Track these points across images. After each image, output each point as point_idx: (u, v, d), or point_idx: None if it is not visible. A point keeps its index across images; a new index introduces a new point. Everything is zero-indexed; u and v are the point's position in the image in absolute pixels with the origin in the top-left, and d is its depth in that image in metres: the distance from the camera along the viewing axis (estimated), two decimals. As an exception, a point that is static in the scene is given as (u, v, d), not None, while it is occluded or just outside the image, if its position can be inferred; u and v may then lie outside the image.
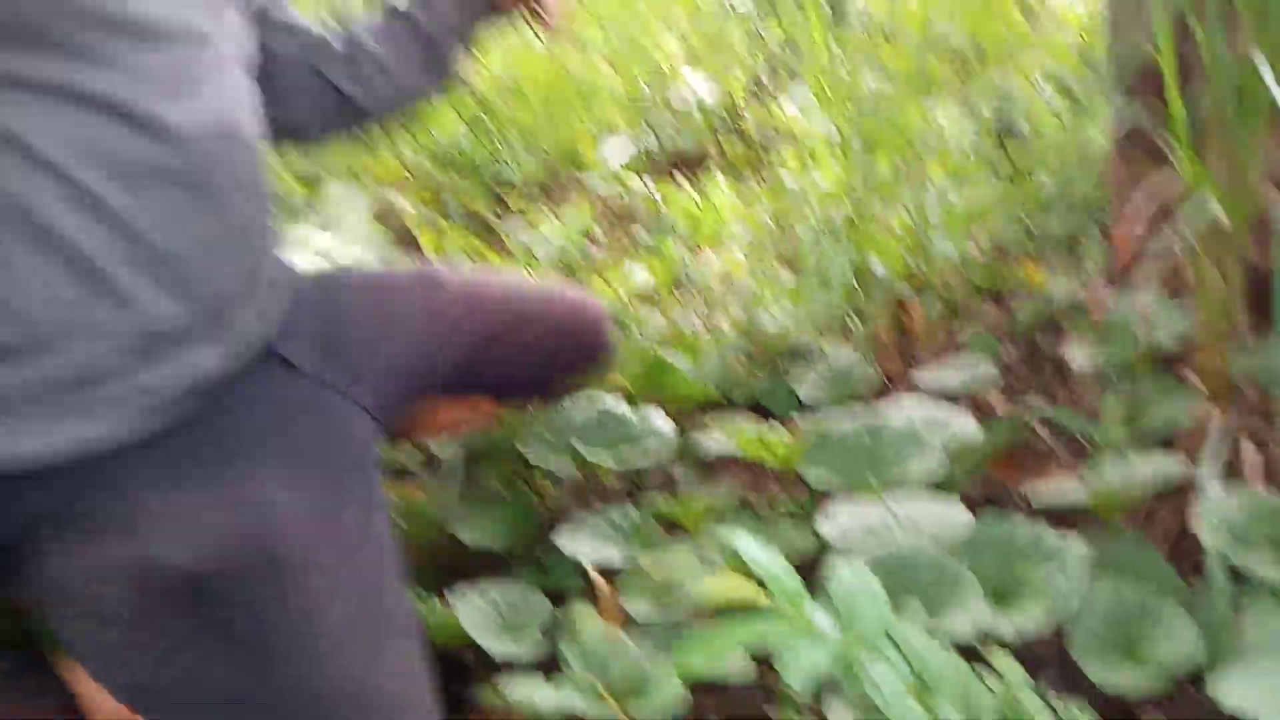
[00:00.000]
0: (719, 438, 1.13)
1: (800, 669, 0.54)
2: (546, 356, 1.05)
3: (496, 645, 0.93)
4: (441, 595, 1.01)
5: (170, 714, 0.78)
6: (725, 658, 0.54)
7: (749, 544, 0.63)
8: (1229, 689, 0.62)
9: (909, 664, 0.60)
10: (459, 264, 1.68)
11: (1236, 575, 0.77)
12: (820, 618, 0.59)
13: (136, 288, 0.74)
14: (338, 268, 1.02)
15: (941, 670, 0.61)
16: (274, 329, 0.86)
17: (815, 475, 0.97)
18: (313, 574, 0.79)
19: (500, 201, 2.13)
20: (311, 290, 0.94)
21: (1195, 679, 0.79)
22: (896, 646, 0.61)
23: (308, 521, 0.81)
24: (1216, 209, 0.87)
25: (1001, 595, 0.79)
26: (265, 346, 0.85)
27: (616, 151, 2.13)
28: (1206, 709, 0.77)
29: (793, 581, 0.60)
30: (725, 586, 0.60)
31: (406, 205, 1.88)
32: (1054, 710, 0.64)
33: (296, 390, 0.87)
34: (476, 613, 0.95)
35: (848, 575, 0.65)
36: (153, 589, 0.76)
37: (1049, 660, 0.85)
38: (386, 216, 1.88)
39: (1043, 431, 1.13)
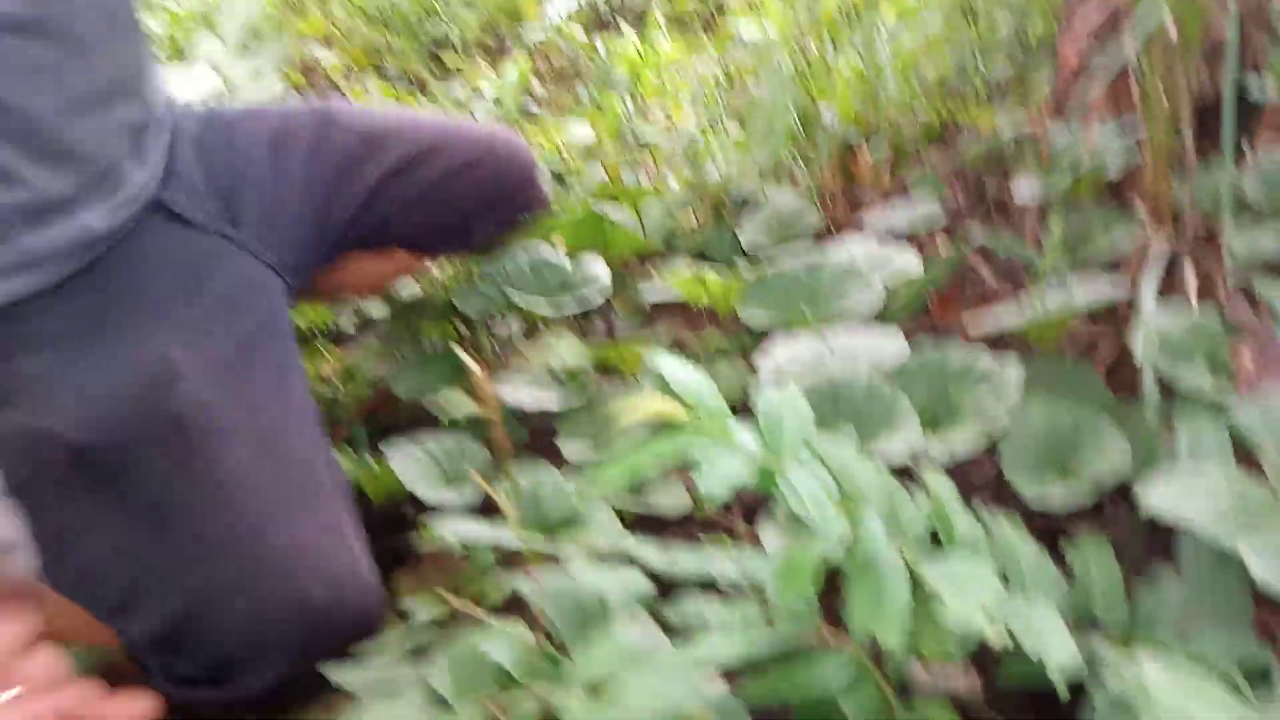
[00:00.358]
0: (658, 284, 1.10)
1: (717, 478, 0.52)
2: (462, 198, 0.99)
3: (433, 494, 0.91)
4: (379, 453, 0.99)
5: (77, 590, 0.76)
6: (644, 472, 0.52)
7: (670, 363, 0.61)
8: (1151, 493, 0.62)
9: (834, 479, 0.59)
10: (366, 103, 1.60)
11: (1169, 394, 0.76)
12: (743, 434, 0.57)
13: (11, 161, 0.69)
14: (226, 108, 0.95)
15: (867, 483, 0.60)
16: (161, 179, 0.81)
17: (753, 314, 0.95)
18: (217, 435, 0.76)
19: (437, 61, 2.03)
20: (199, 133, 0.88)
21: (1125, 493, 0.79)
22: (822, 462, 0.60)
23: (211, 382, 0.78)
24: (1166, 18, 0.83)
25: (935, 419, 0.78)
26: (153, 198, 0.80)
27: (559, 4, 2.03)
28: (1132, 522, 0.78)
29: (714, 398, 0.59)
30: (646, 405, 0.58)
31: (333, 59, 1.78)
32: (983, 523, 0.64)
33: (193, 245, 0.83)
34: (412, 464, 0.93)
35: (772, 393, 0.63)
36: (43, 460, 0.73)
37: (983, 484, 0.86)
38: (311, 73, 1.79)
39: (984, 269, 1.11)
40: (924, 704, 0.60)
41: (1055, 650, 0.53)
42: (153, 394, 0.76)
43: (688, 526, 0.87)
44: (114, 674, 0.68)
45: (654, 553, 0.60)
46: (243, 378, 0.81)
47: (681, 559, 0.59)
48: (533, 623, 0.66)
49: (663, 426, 0.58)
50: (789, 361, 0.86)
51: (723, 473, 0.53)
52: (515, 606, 0.77)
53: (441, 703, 0.62)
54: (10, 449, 0.72)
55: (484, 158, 0.99)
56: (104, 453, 0.74)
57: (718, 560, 0.59)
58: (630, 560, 0.60)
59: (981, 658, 0.72)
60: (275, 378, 0.84)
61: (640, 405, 0.58)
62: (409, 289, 1.19)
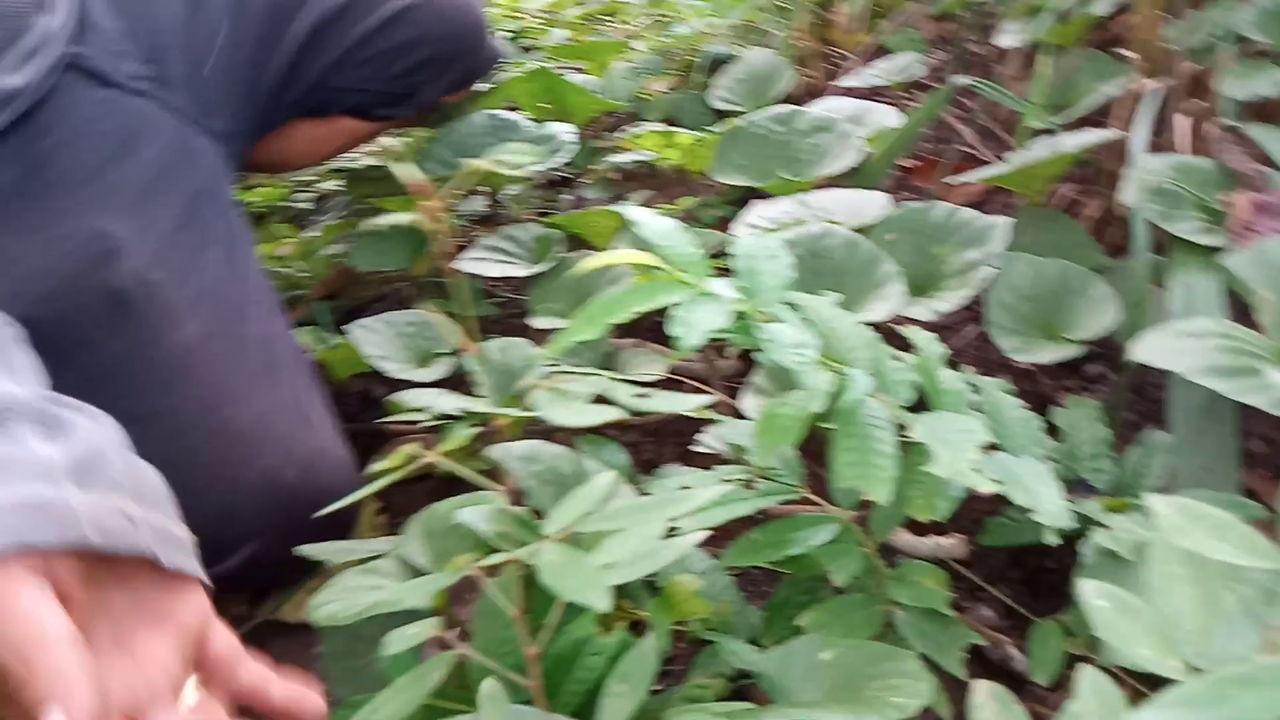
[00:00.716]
0: (626, 148, 1.05)
1: (694, 325, 0.49)
2: (405, 51, 0.92)
3: (400, 370, 0.88)
4: (341, 334, 0.95)
5: None
6: (618, 319, 0.49)
7: (642, 212, 0.57)
8: (1140, 345, 0.60)
9: (817, 334, 0.57)
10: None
11: (1160, 250, 0.74)
12: (718, 283, 0.54)
13: None
14: None
15: (850, 337, 0.58)
16: (73, 32, 0.74)
17: (726, 175, 0.90)
18: (165, 314, 0.72)
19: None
20: None
21: (1113, 355, 0.78)
22: (803, 317, 0.57)
23: (155, 257, 0.73)
24: None
25: (917, 279, 0.75)
26: (68, 56, 0.74)
27: None
28: (1121, 384, 0.77)
29: (689, 244, 0.55)
30: (618, 255, 0.55)
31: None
32: (970, 384, 0.62)
33: (118, 109, 0.77)
34: (378, 340, 0.90)
35: (749, 241, 0.60)
36: None
37: (967, 347, 0.84)
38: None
39: (965, 129, 1.07)
40: (909, 567, 0.59)
41: (1045, 501, 0.51)
42: (92, 270, 0.71)
43: (671, 389, 0.85)
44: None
45: (627, 392, 0.57)
46: (188, 252, 0.76)
47: (656, 398, 0.56)
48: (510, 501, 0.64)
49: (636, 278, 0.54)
50: (763, 222, 0.82)
51: (699, 320, 0.50)
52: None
53: (418, 573, 0.60)
54: None
55: (423, 3, 0.92)
56: (46, 331, 0.70)
57: (690, 399, 0.57)
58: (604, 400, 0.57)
59: (964, 521, 0.72)
60: (223, 251, 0.79)
61: (612, 255, 0.55)
62: (363, 160, 1.13)
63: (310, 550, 0.64)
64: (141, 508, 0.50)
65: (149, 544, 0.47)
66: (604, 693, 0.42)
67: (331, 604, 0.54)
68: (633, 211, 0.57)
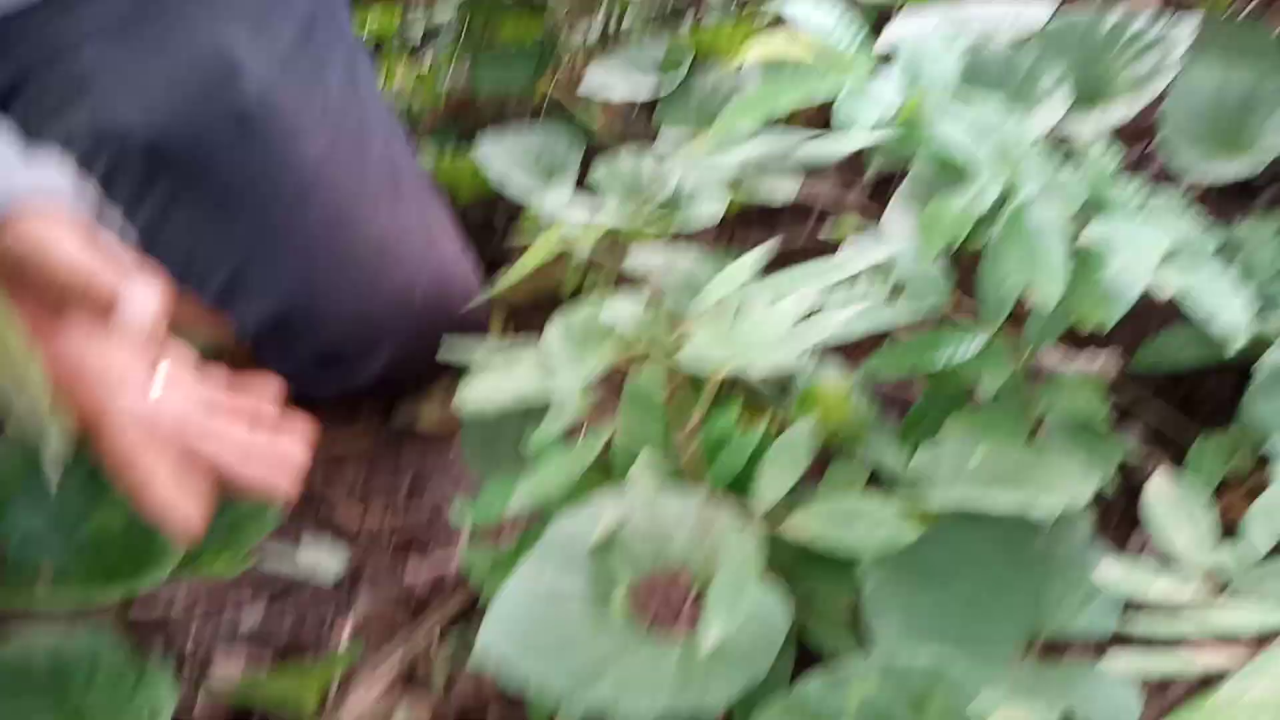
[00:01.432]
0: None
1: (858, 118, 0.47)
2: None
3: (526, 188, 0.87)
4: (462, 156, 0.94)
5: (181, 278, 0.75)
6: (773, 113, 0.46)
7: (800, 4, 0.54)
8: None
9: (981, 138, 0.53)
10: None
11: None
12: (880, 79, 0.51)
13: None
14: None
15: (1018, 141, 0.54)
16: None
17: (874, -16, 0.84)
18: (289, 133, 0.73)
19: None
20: None
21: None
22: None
23: (276, 79, 0.74)
24: None
25: (1085, 91, 0.70)
26: None
27: None
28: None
29: (853, 32, 0.52)
30: (776, 45, 0.52)
31: None
32: (1144, 197, 0.58)
33: None
34: (503, 156, 0.89)
35: (914, 41, 0.56)
36: (116, 158, 0.71)
37: (1139, 161, 0.78)
38: None
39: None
40: (1063, 379, 0.57)
41: (1226, 308, 0.48)
42: (215, 91, 0.72)
43: (800, 216, 0.82)
44: (228, 363, 0.69)
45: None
46: (308, 71, 0.77)
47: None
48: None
49: (787, 69, 0.52)
50: (915, 34, 0.77)
51: (864, 112, 0.47)
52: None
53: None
54: (82, 150, 0.70)
55: None
56: (175, 149, 0.72)
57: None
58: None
59: (1115, 341, 0.68)
60: (343, 72, 0.80)
61: (769, 47, 0.52)
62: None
63: (448, 353, 0.66)
64: None
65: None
66: (757, 474, 0.42)
67: (479, 393, 0.55)
68: (793, 4, 0.53)
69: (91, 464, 0.46)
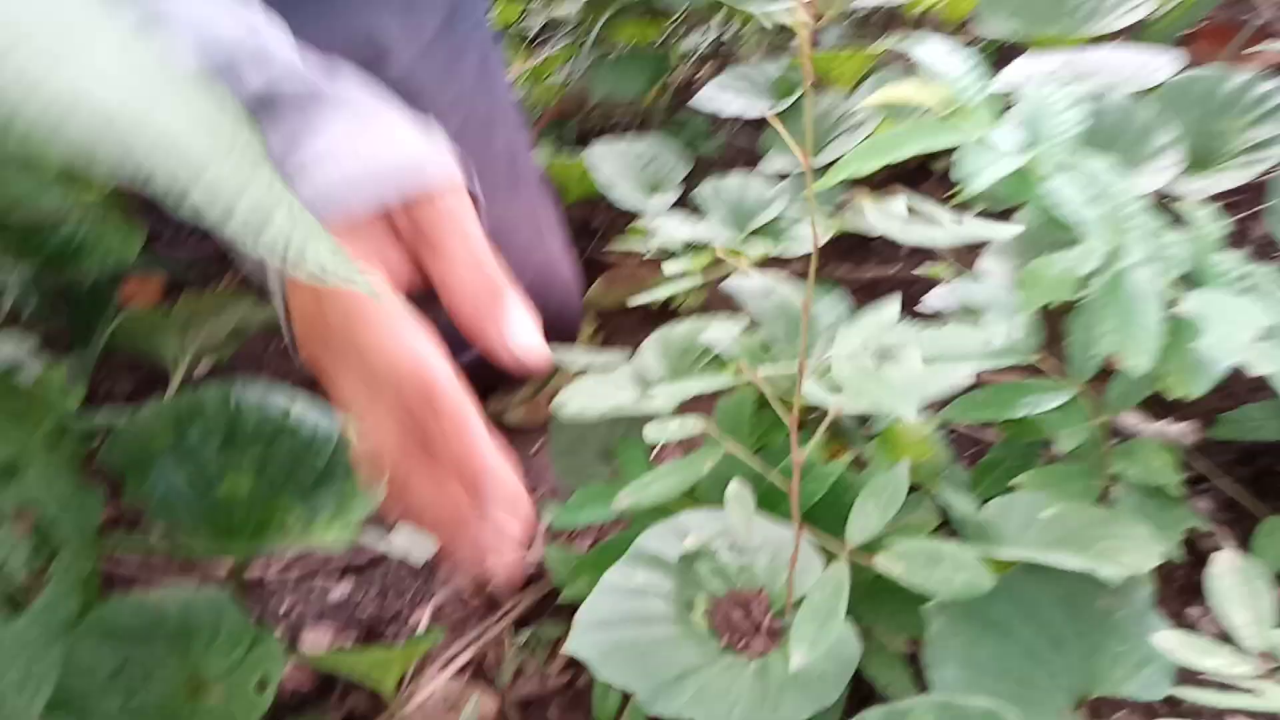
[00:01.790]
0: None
1: (978, 173, 0.49)
2: None
3: (630, 197, 0.90)
4: (573, 156, 0.98)
5: None
6: (892, 160, 0.48)
7: (929, 47, 0.56)
8: None
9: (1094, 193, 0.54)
10: None
11: None
12: (1002, 132, 0.53)
13: None
14: None
15: (1127, 203, 0.55)
16: None
17: (993, 23, 0.85)
18: (418, 108, 0.76)
19: None
20: None
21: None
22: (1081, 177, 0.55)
23: (415, 57, 0.77)
24: None
25: (1197, 153, 0.70)
26: None
27: None
28: None
29: (978, 81, 0.53)
30: (902, 91, 0.54)
31: None
32: (1247, 270, 0.58)
33: None
34: (613, 161, 0.92)
35: (1038, 93, 0.57)
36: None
37: (1241, 232, 0.78)
38: None
39: (1266, 6, 0.95)
40: (1139, 443, 0.58)
41: (1318, 395, 0.49)
42: (364, 71, 0.76)
43: (892, 247, 0.84)
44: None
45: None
46: (447, 58, 0.80)
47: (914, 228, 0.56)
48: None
49: (907, 115, 0.54)
50: (1032, 79, 0.77)
51: (984, 166, 0.49)
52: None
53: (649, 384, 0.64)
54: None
55: None
56: None
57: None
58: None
59: (1194, 413, 0.69)
60: (478, 61, 0.83)
61: (895, 92, 0.54)
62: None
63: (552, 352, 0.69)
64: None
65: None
66: (852, 509, 0.44)
67: (578, 399, 0.58)
68: (919, 40, 0.55)
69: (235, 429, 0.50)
